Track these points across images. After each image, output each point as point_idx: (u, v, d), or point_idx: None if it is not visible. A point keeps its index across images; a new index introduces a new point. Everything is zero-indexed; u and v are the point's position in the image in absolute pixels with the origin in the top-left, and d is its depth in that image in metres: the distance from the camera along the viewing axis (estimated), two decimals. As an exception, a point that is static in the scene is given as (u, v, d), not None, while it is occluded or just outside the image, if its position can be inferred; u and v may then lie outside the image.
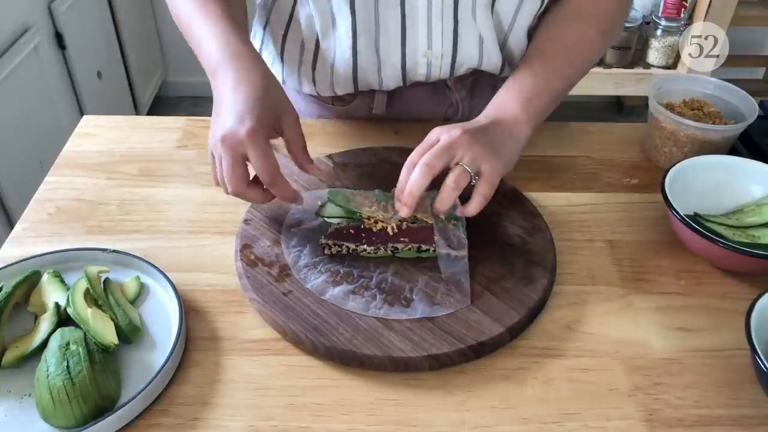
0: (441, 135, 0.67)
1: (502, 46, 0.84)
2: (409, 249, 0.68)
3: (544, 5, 0.80)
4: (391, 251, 0.68)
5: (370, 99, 0.90)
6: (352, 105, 0.91)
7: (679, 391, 0.59)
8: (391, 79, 0.85)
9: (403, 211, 0.66)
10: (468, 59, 0.83)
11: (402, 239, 0.68)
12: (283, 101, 0.69)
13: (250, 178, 0.66)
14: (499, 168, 0.67)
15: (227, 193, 0.66)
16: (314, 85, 0.89)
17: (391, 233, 0.68)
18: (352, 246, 0.68)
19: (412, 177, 0.65)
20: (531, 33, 0.84)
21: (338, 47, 0.81)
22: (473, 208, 0.67)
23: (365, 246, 0.68)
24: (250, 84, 0.66)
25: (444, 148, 0.65)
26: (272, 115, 0.66)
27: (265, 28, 0.90)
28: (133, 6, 2.40)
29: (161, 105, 2.70)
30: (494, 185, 0.66)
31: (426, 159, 0.64)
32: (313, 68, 0.86)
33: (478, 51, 0.82)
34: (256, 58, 0.69)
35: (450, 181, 0.65)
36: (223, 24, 0.70)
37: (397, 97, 0.89)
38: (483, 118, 0.72)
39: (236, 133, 0.62)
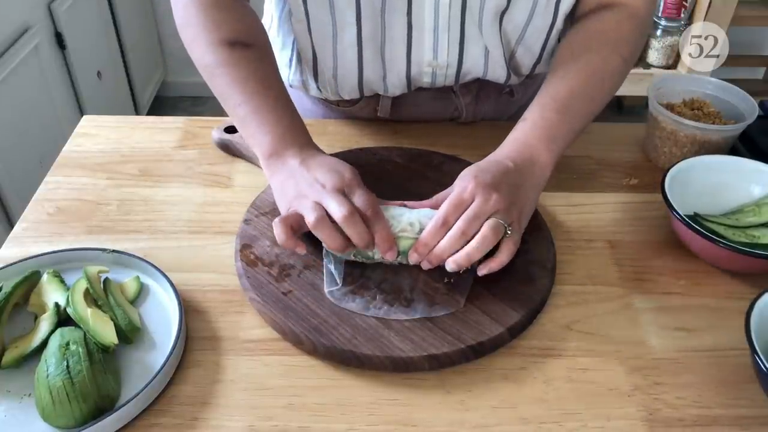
0: (476, 193, 0.63)
1: (510, 57, 0.83)
2: None
3: (558, 22, 0.79)
4: (398, 264, 0.68)
5: (375, 102, 0.90)
6: (357, 107, 0.91)
7: (679, 390, 0.59)
8: (396, 87, 0.85)
9: (423, 264, 0.64)
10: (473, 70, 0.84)
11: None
12: None
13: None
14: (523, 224, 0.67)
15: (340, 250, 0.63)
16: (319, 91, 0.89)
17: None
18: (357, 259, 0.67)
19: (444, 243, 0.62)
20: (543, 51, 0.83)
21: (344, 55, 0.81)
22: (502, 260, 0.64)
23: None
24: (320, 153, 0.70)
25: (478, 215, 0.62)
26: None
27: (276, 34, 0.90)
28: (133, 6, 2.41)
29: (161, 105, 2.70)
30: (517, 242, 0.65)
31: (462, 226, 0.62)
32: (321, 74, 0.86)
33: (484, 62, 0.83)
34: (309, 137, 0.73)
35: (489, 238, 0.62)
36: (273, 110, 0.71)
37: (402, 100, 0.89)
38: (508, 161, 0.68)
39: (341, 178, 0.65)
